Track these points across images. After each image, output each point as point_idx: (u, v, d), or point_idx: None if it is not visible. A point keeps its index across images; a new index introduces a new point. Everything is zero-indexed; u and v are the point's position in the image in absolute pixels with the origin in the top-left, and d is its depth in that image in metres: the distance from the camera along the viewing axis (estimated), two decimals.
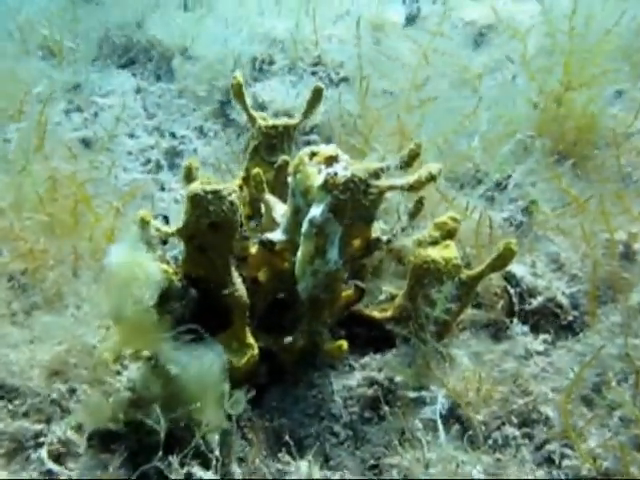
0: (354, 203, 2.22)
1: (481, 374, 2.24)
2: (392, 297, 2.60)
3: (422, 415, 2.16)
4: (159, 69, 4.96)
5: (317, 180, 2.27)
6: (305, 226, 2.26)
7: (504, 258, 2.40)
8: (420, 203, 2.64)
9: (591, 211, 2.78)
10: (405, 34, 5.00)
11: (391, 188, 2.26)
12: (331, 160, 2.34)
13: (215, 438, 1.95)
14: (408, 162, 2.52)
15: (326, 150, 2.37)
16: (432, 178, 2.28)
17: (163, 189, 3.92)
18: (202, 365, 1.96)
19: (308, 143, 3.67)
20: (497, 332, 2.55)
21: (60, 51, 4.43)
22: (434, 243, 2.41)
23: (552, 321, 2.57)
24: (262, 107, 4.28)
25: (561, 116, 3.51)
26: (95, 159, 3.62)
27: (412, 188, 2.26)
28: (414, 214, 2.63)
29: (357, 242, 2.34)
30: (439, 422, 2.09)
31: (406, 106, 3.36)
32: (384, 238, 2.37)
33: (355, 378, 2.48)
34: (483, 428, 2.14)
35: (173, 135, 4.42)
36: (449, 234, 2.42)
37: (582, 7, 3.36)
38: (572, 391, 2.11)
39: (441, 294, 2.27)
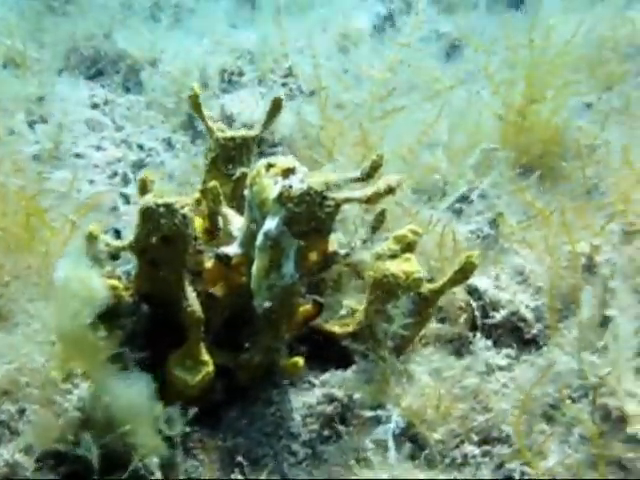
0: (310, 216, 2.17)
1: (440, 390, 2.19)
2: (353, 312, 2.55)
3: (375, 435, 2.10)
4: (127, 81, 4.91)
5: (273, 192, 2.22)
6: (260, 239, 2.20)
7: (465, 271, 2.36)
8: (382, 215, 2.60)
9: (556, 223, 2.74)
10: (375, 45, 5.02)
11: (348, 200, 2.21)
12: (288, 172, 2.29)
13: (154, 461, 1.88)
14: (370, 173, 2.47)
15: (283, 162, 2.32)
16: (391, 191, 2.23)
17: (129, 202, 3.86)
18: (131, 393, 1.89)
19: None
20: (460, 347, 2.51)
21: (24, 61, 4.35)
22: (393, 256, 2.36)
23: (516, 335, 2.53)
24: (230, 119, 4.23)
25: (526, 128, 3.50)
26: (56, 171, 3.56)
27: (370, 200, 2.21)
28: (376, 227, 2.58)
29: (314, 256, 2.29)
30: (390, 441, 2.03)
31: (369, 117, 3.33)
32: (342, 252, 2.32)
33: (315, 395, 2.42)
34: (441, 446, 2.09)
35: (141, 147, 4.36)
36: (409, 247, 2.37)
37: (541, 20, 3.36)
38: (525, 410, 2.07)
39: (397, 309, 2.21)
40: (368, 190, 2.23)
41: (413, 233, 2.37)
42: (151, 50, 4.85)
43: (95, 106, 4.66)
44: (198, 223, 2.58)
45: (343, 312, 2.57)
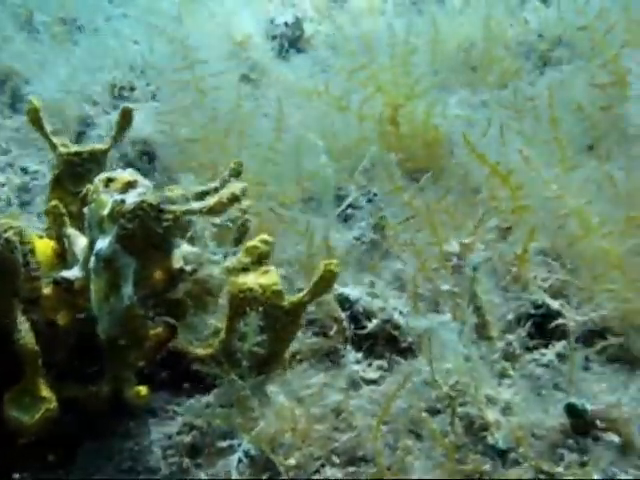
0: (145, 232, 2.00)
1: (299, 411, 2.03)
2: (216, 332, 2.38)
3: (224, 466, 1.94)
4: (15, 101, 4.68)
5: (107, 209, 2.05)
6: (92, 261, 2.02)
7: (326, 281, 2.21)
8: (244, 226, 2.45)
9: (433, 223, 2.63)
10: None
11: (188, 213, 2.05)
12: (129, 186, 2.12)
13: None
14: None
15: (123, 175, 2.15)
16: (235, 199, 2.09)
17: None
18: None
19: None
20: (331, 361, 2.36)
21: None
22: (247, 269, 2.20)
23: (391, 344, 2.39)
24: None
25: (408, 130, 3.41)
26: None
27: (213, 211, 2.06)
28: (239, 239, 2.44)
29: (158, 274, 2.12)
30: (234, 473, 1.86)
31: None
32: (188, 268, 2.15)
33: (177, 424, 2.24)
34: (298, 472, 1.92)
35: (25, 171, 4.14)
36: (261, 258, 2.22)
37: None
38: (380, 424, 1.92)
39: (248, 327, 2.05)
40: (211, 200, 2.07)
41: (264, 243, 2.22)
42: (38, 68, 4.62)
43: None
44: (45, 246, 2.39)
45: (207, 332, 2.40)
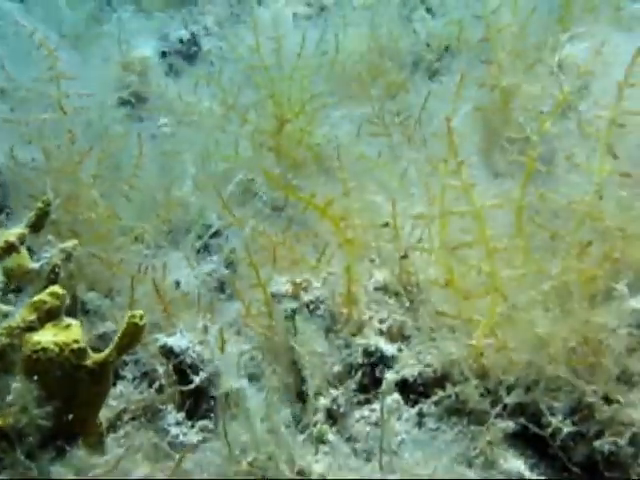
0: None
1: None
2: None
3: None
4: None
5: None
6: None
7: (132, 335, 1.94)
8: (54, 273, 2.16)
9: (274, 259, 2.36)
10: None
11: None
12: None
13: None
14: (37, 223, 2.05)
15: None
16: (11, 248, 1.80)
17: None
18: None
19: None
20: (149, 421, 2.07)
21: None
22: (31, 329, 1.91)
23: (216, 401, 2.10)
24: None
25: (284, 151, 3.16)
26: None
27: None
28: (51, 282, 2.15)
29: None
30: None
31: None
32: None
33: None
34: None
35: None
36: (50, 315, 1.93)
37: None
38: None
39: (26, 396, 1.76)
40: None
41: (54, 297, 1.92)
42: None
43: None
44: None
45: (9, 398, 2.09)
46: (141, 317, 1.93)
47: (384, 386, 1.81)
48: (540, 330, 1.71)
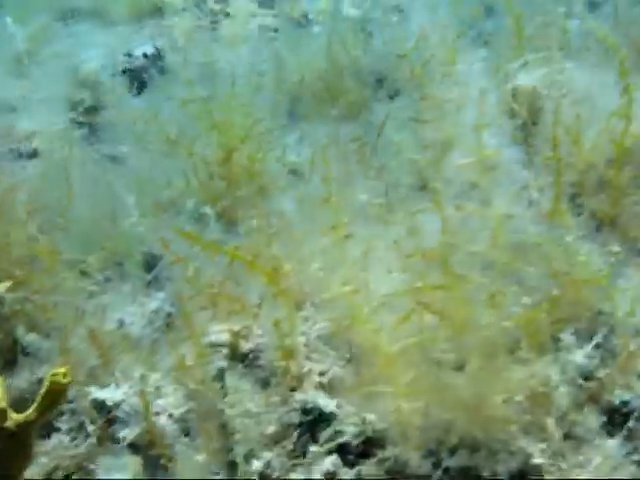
0: None
1: None
2: None
3: None
4: None
5: None
6: None
7: (54, 394, 1.82)
8: None
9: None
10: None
11: None
12: None
13: None
14: None
15: None
16: None
17: None
18: None
19: None
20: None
21: None
22: None
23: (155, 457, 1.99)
24: None
25: (234, 179, 3.05)
26: None
27: None
28: None
29: None
30: None
31: None
32: None
33: None
34: None
35: None
36: None
37: None
38: None
39: None
40: None
41: None
42: None
43: None
44: None
45: None
46: (64, 375, 1.81)
47: (321, 447, 1.71)
48: (469, 389, 1.61)
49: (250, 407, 1.75)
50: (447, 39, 2.62)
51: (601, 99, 2.28)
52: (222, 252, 2.00)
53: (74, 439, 2.18)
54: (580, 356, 1.70)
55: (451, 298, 1.61)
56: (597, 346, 1.75)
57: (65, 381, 1.82)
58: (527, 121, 2.29)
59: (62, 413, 2.25)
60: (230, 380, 1.82)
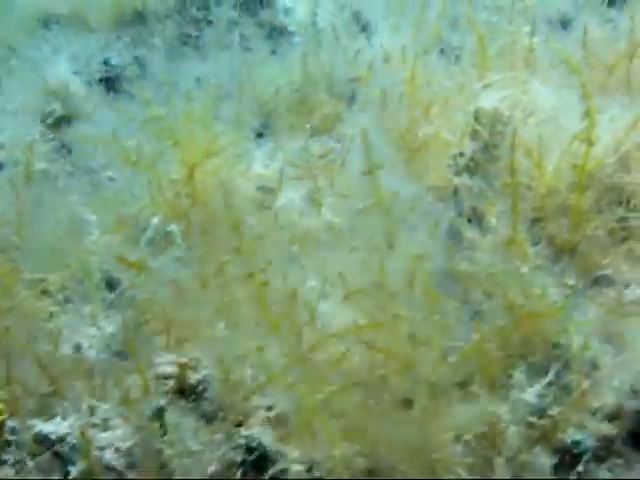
0: None
1: None
2: None
3: None
4: None
5: None
6: None
7: None
8: None
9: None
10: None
11: None
12: None
13: None
14: None
15: None
16: None
17: None
18: None
19: None
20: None
21: None
22: None
23: None
24: None
25: (199, 197, 2.99)
26: None
27: None
28: None
29: None
30: None
31: None
32: None
33: None
34: None
35: None
36: None
37: None
38: None
39: None
40: None
41: None
42: None
43: None
44: None
45: None
46: (0, 411, 1.75)
47: None
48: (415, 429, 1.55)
49: (191, 445, 1.69)
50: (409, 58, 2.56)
51: (565, 119, 2.23)
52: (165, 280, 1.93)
53: (18, 472, 2.12)
54: (532, 395, 1.64)
55: (394, 335, 1.56)
56: (550, 384, 1.69)
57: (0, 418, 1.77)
58: (489, 143, 2.23)
59: (9, 444, 2.19)
60: (172, 416, 1.76)
